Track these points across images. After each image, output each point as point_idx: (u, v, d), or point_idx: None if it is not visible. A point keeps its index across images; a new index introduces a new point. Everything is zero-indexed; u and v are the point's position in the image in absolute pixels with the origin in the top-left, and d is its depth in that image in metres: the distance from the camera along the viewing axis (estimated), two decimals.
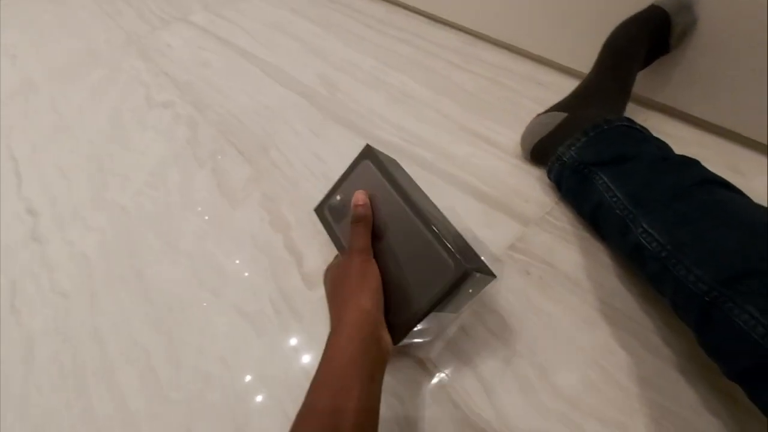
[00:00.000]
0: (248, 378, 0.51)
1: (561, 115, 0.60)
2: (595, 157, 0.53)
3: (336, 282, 0.42)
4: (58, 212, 0.74)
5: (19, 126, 0.94)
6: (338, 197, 0.49)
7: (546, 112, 0.63)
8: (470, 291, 0.45)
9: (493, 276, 0.45)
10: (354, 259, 0.41)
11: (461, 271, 0.38)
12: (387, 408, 0.47)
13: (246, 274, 0.61)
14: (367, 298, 0.38)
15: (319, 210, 0.51)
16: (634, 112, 0.71)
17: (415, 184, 0.51)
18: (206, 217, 0.68)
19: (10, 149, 0.89)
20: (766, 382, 0.31)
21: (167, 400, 0.51)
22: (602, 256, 0.55)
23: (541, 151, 0.62)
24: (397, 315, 0.40)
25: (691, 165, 0.45)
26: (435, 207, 0.50)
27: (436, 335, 0.51)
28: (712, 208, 0.39)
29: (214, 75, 0.96)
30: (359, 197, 0.44)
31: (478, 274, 0.40)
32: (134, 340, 0.56)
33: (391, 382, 0.48)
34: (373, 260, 0.41)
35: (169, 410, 0.50)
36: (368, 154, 0.48)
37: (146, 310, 0.59)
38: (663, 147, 0.50)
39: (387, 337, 0.39)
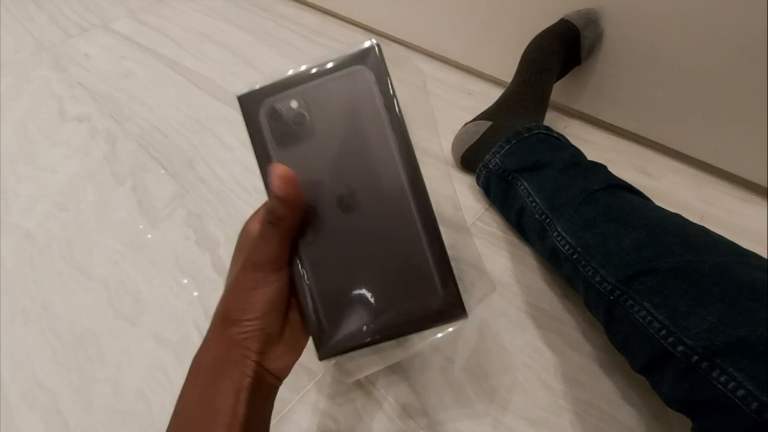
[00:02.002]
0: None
1: (486, 124, 0.62)
2: (516, 163, 0.55)
3: (231, 275, 0.29)
4: None
5: None
6: (295, 102, 0.27)
7: (472, 121, 0.65)
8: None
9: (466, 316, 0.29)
10: (246, 275, 0.26)
11: (459, 313, 0.27)
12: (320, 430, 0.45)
13: (168, 298, 0.57)
14: (239, 329, 0.26)
15: (250, 102, 0.28)
16: (555, 120, 0.74)
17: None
18: (124, 239, 0.63)
19: None
20: (663, 374, 0.33)
21: None
22: (529, 259, 0.57)
23: (470, 158, 0.64)
24: (337, 322, 0.28)
25: (598, 170, 0.48)
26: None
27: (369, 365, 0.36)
28: (614, 211, 0.41)
29: (136, 86, 0.90)
30: (282, 174, 0.25)
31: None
32: (38, 380, 0.51)
33: (321, 399, 0.46)
34: (274, 279, 0.26)
35: None
36: (370, 55, 0.27)
37: (52, 346, 0.53)
38: (576, 153, 0.52)
39: (277, 364, 0.28)
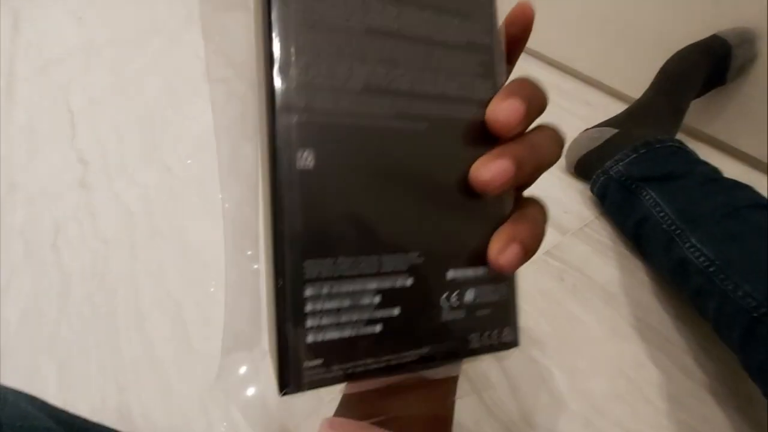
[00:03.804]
0: None
1: (611, 131, 0.61)
2: (643, 172, 0.53)
3: None
4: (107, 165, 0.77)
5: (78, 81, 0.99)
6: None
7: (596, 126, 0.64)
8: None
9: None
10: None
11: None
12: None
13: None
14: None
15: None
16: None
17: None
18: (248, 186, 0.70)
19: (68, 102, 0.93)
20: None
21: (194, 352, 0.52)
22: (640, 273, 0.55)
23: (586, 164, 0.63)
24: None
25: (743, 188, 0.45)
26: None
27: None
28: (763, 229, 0.39)
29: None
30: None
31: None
32: (168, 291, 0.58)
33: None
34: None
35: (194, 361, 0.51)
36: None
37: (183, 266, 0.60)
38: (716, 170, 0.50)
39: None
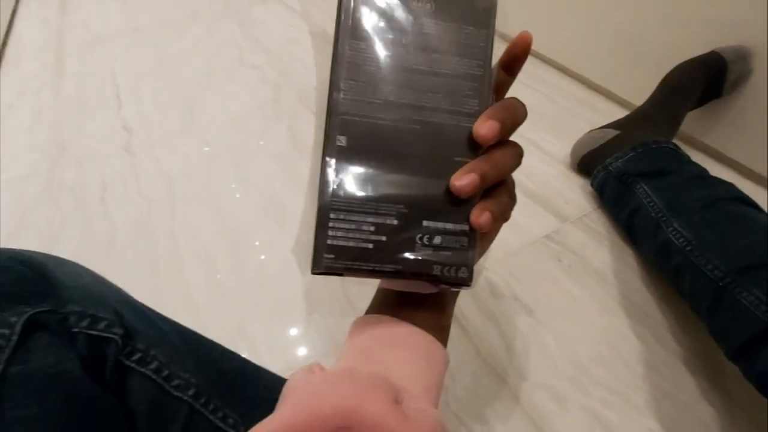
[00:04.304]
0: (300, 295, 0.58)
1: (613, 132, 0.67)
2: (639, 169, 0.59)
3: None
4: (150, 134, 0.84)
5: (123, 59, 1.07)
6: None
7: (600, 128, 0.70)
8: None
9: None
10: None
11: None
12: None
13: (307, 215, 0.68)
14: None
15: None
16: None
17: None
18: (278, 163, 0.77)
19: (114, 76, 1.01)
20: (760, 351, 0.36)
21: (226, 299, 0.58)
22: (630, 260, 0.60)
23: (588, 161, 0.69)
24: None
25: (725, 184, 0.51)
26: None
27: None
28: (735, 217, 0.45)
29: (300, 50, 1.07)
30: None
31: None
32: (204, 246, 0.64)
33: None
34: None
35: (226, 306, 0.57)
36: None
37: (218, 226, 0.67)
38: (703, 169, 0.56)
39: None
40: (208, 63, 1.03)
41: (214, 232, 0.66)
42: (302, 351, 0.53)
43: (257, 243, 0.64)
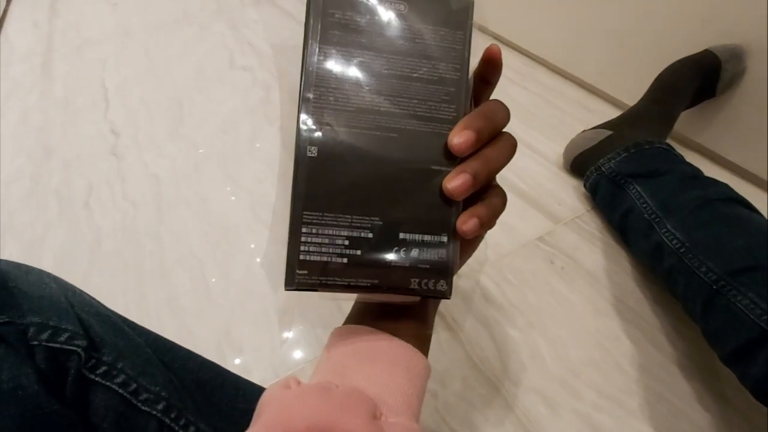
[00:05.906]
0: (288, 301, 0.57)
1: (606, 133, 0.66)
2: (632, 169, 0.58)
3: None
4: (137, 137, 0.83)
5: (112, 61, 1.05)
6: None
7: (592, 128, 0.69)
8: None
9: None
10: None
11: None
12: None
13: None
14: None
15: None
16: None
17: None
18: (269, 164, 0.76)
19: (102, 78, 0.99)
20: (756, 356, 0.35)
21: (213, 304, 0.57)
22: (624, 261, 0.60)
23: (581, 162, 0.68)
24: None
25: (719, 184, 0.50)
26: None
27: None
28: (729, 218, 0.44)
29: (293, 52, 1.06)
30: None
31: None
32: (191, 250, 0.63)
33: None
34: None
35: (213, 312, 0.56)
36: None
37: (205, 229, 0.66)
38: (697, 170, 0.55)
39: None
40: (198, 65, 1.02)
41: (201, 237, 0.65)
42: (290, 357, 0.52)
43: (247, 249, 0.63)
